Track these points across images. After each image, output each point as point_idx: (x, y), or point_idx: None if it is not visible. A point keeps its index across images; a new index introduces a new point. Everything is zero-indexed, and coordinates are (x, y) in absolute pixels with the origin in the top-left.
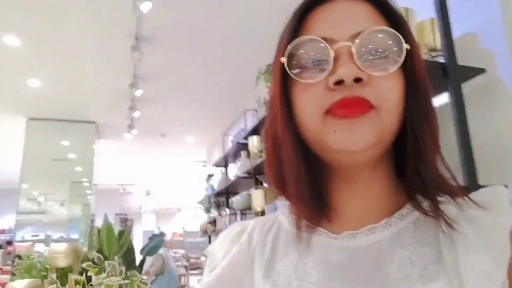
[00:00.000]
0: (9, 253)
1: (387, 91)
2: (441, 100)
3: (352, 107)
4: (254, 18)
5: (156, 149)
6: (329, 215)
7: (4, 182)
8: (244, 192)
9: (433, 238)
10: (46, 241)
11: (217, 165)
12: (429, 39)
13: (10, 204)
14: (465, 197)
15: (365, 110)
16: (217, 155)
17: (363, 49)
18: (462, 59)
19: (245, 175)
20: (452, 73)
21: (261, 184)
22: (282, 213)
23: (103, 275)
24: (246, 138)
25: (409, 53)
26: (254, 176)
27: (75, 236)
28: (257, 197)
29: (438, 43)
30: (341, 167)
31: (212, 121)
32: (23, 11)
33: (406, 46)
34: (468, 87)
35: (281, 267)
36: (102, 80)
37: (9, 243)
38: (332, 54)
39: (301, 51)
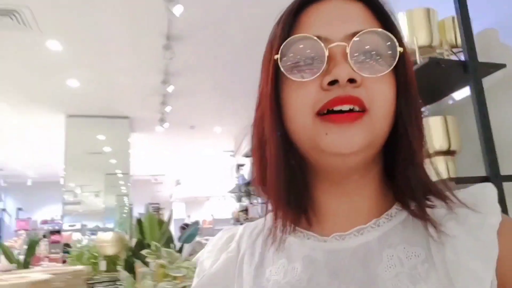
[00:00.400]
0: (53, 242)
1: (379, 93)
2: (462, 94)
3: (346, 102)
4: (278, 13)
5: (185, 141)
6: (310, 217)
7: (46, 175)
8: None
9: (422, 237)
10: (82, 230)
11: (246, 155)
12: (450, 37)
13: (49, 195)
14: (453, 198)
15: (357, 117)
16: (245, 145)
17: (357, 50)
18: (483, 55)
19: None
20: (472, 70)
21: None
22: (271, 217)
23: (178, 260)
24: None
25: (401, 57)
26: None
27: (110, 225)
28: None
29: (459, 40)
30: (330, 169)
31: (239, 111)
32: (65, 18)
33: (399, 49)
34: (488, 81)
35: (270, 274)
36: (135, 78)
37: (52, 232)
38: (326, 53)
39: (295, 49)
